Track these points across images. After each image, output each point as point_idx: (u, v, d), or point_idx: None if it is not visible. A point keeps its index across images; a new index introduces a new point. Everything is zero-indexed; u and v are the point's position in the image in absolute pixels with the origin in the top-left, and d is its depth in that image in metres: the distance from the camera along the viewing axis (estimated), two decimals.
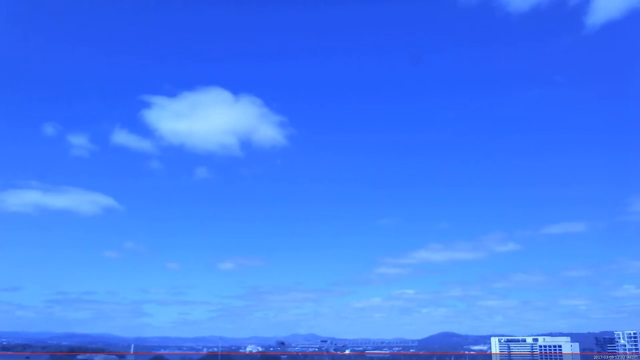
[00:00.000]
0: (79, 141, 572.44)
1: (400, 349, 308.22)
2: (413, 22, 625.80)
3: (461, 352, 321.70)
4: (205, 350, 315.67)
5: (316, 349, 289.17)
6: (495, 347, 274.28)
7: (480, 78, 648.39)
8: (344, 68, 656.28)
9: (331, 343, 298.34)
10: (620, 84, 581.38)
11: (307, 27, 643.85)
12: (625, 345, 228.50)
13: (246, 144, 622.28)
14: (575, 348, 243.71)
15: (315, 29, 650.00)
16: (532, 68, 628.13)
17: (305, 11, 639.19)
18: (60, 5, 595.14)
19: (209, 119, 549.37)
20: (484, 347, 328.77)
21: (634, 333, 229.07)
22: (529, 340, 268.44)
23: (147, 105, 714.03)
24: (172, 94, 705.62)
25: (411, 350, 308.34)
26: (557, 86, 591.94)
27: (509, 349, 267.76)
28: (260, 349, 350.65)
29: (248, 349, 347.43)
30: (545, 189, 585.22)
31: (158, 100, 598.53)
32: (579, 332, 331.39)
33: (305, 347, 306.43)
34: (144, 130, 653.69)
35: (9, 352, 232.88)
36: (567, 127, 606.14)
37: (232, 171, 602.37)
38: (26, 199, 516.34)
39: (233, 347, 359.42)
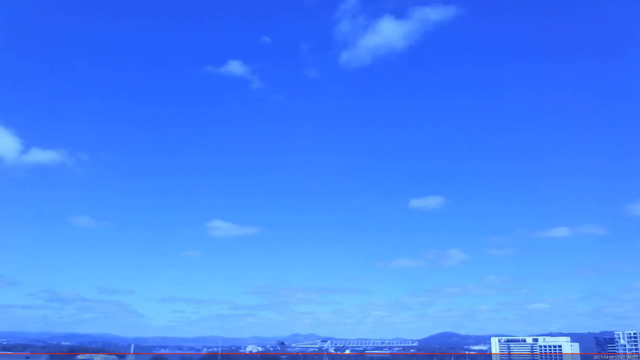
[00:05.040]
0: None
1: (400, 349, 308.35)
2: None
3: (461, 352, 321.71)
4: (205, 350, 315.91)
5: (316, 349, 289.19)
6: (495, 347, 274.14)
7: None
8: None
9: (331, 343, 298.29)
10: None
11: None
12: (625, 345, 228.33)
13: None
14: (575, 348, 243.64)
15: None
16: None
17: None
18: None
19: None
20: (484, 347, 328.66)
21: (634, 333, 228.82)
22: (529, 340, 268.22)
23: None
24: None
25: (411, 350, 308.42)
26: None
27: (509, 349, 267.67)
28: (260, 349, 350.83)
29: (248, 349, 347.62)
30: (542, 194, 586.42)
31: None
32: (579, 332, 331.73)
33: (305, 347, 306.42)
34: None
35: (9, 352, 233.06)
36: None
37: None
38: None
39: (233, 347, 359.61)
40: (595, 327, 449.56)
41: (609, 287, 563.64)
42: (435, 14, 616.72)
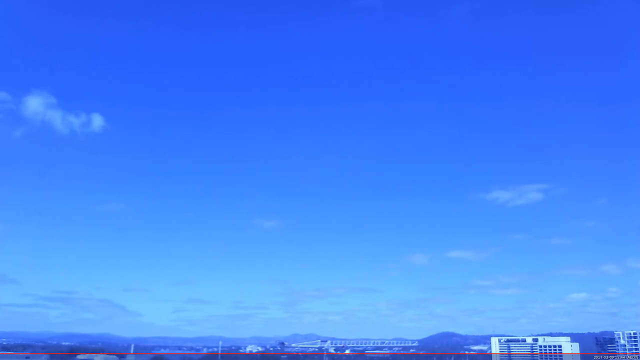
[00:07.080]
0: None
1: (400, 349, 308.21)
2: None
3: (461, 352, 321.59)
4: (205, 350, 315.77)
5: (316, 349, 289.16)
6: (495, 347, 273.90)
7: None
8: None
9: (331, 343, 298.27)
10: None
11: None
12: (625, 345, 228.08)
13: None
14: (575, 348, 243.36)
15: None
16: None
17: None
18: None
19: None
20: (484, 347, 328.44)
21: (634, 333, 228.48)
22: (529, 340, 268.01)
23: None
24: None
25: (411, 350, 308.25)
26: None
27: (509, 349, 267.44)
28: (260, 349, 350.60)
29: (248, 349, 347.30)
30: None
31: None
32: (579, 332, 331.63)
33: (305, 347, 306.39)
34: None
35: (9, 352, 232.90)
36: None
37: None
38: None
39: (233, 347, 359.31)
40: (595, 327, 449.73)
41: (615, 286, 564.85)
42: None
